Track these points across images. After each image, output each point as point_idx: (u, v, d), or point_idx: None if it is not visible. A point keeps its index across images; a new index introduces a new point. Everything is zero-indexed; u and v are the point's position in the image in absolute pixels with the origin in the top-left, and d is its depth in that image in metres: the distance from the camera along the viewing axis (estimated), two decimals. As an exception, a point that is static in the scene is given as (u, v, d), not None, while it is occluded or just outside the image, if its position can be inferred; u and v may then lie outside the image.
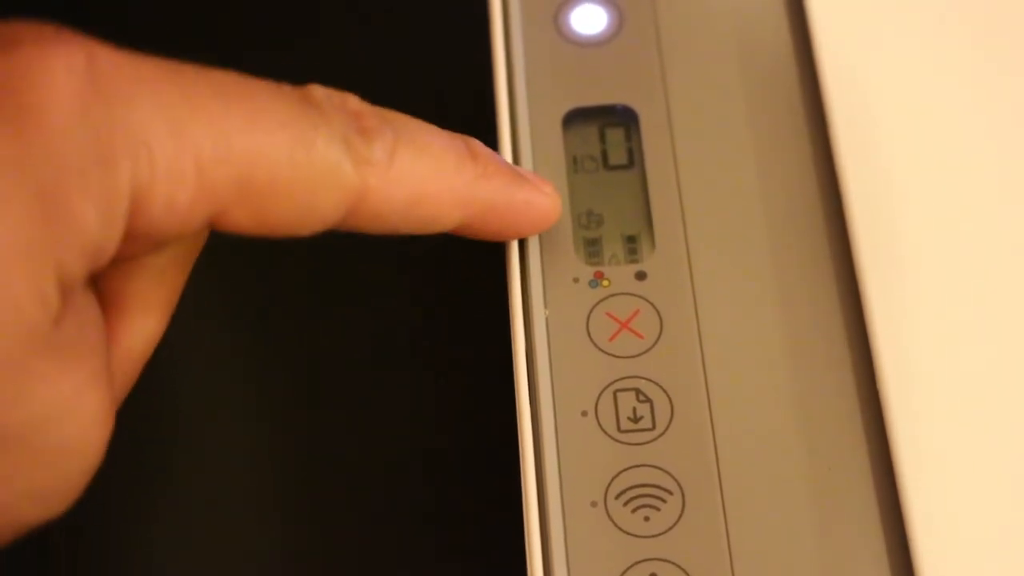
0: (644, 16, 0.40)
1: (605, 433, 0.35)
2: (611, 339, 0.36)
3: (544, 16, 0.40)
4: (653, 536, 0.34)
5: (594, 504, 0.34)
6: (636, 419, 0.35)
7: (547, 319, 0.36)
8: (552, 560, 0.33)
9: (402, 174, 0.32)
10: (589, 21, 0.40)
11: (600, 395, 0.35)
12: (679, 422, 0.35)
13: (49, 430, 0.28)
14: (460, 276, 0.47)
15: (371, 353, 0.47)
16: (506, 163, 0.35)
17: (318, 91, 0.32)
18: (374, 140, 0.32)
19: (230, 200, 0.29)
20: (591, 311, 0.36)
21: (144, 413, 0.45)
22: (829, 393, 0.35)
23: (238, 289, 0.49)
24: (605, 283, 0.37)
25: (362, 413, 0.46)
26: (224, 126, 0.29)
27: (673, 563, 0.33)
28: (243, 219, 0.30)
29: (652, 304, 0.36)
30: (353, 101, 0.32)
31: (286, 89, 0.31)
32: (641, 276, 0.37)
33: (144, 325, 0.32)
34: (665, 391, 0.35)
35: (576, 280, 0.37)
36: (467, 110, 0.42)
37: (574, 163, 0.39)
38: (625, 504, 0.34)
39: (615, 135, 0.39)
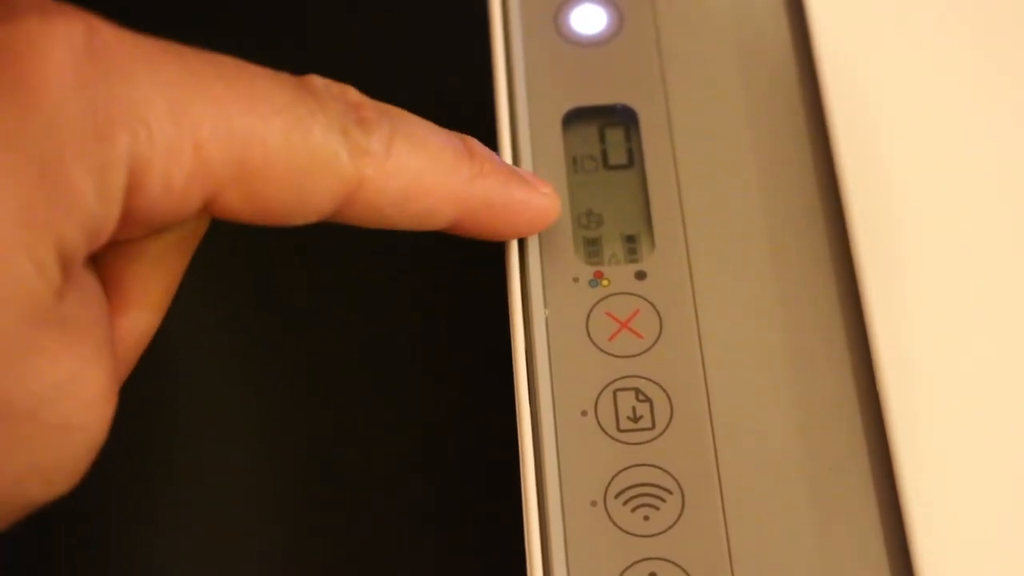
0: (644, 16, 0.40)
1: (605, 433, 0.35)
2: (611, 339, 0.36)
3: (544, 16, 0.40)
4: (652, 535, 0.33)
5: (594, 503, 0.34)
6: (636, 419, 0.35)
7: (547, 319, 0.36)
8: (552, 559, 0.33)
9: (398, 167, 0.32)
10: (589, 21, 0.40)
11: (600, 395, 0.35)
12: (679, 422, 0.35)
13: (53, 405, 0.28)
14: (459, 277, 0.47)
15: (371, 353, 0.47)
16: (504, 163, 0.35)
17: (317, 81, 0.32)
18: (372, 131, 0.32)
19: (225, 182, 0.29)
20: (591, 311, 0.36)
21: (144, 413, 0.45)
22: (829, 393, 0.35)
23: (238, 290, 0.49)
24: (605, 283, 0.37)
25: (362, 413, 0.46)
26: (223, 108, 0.29)
27: (672, 562, 0.33)
28: (237, 203, 0.30)
29: (652, 304, 0.36)
30: (352, 93, 0.32)
31: (286, 77, 0.31)
32: (641, 276, 0.37)
33: (142, 311, 0.32)
34: (665, 391, 0.35)
35: (576, 280, 0.37)
36: (467, 110, 0.42)
37: (574, 163, 0.39)
38: (625, 503, 0.34)
39: (615, 135, 0.39)
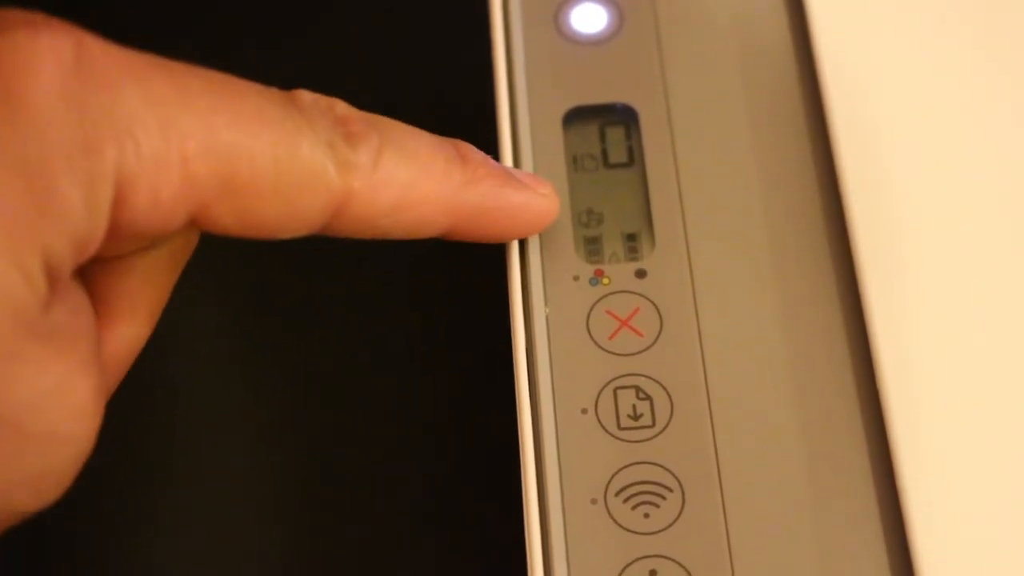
0: (644, 15, 0.40)
1: (605, 430, 0.35)
2: (611, 337, 0.36)
3: (544, 15, 0.41)
4: (653, 533, 0.34)
5: (594, 501, 0.34)
6: (636, 416, 0.35)
7: (547, 317, 0.36)
8: (552, 557, 0.33)
9: (387, 178, 0.32)
10: (589, 20, 0.40)
11: (600, 393, 0.35)
12: (679, 419, 0.35)
13: (40, 414, 0.28)
14: (459, 277, 0.47)
15: (371, 353, 0.47)
16: (499, 166, 0.35)
17: (305, 95, 0.32)
18: (359, 145, 0.32)
19: (213, 196, 0.29)
20: (591, 309, 0.36)
21: (145, 413, 0.45)
22: (829, 391, 0.35)
23: (238, 290, 0.49)
24: (605, 281, 0.37)
25: (362, 413, 0.46)
26: (211, 122, 0.29)
27: (673, 560, 0.33)
28: (225, 217, 0.30)
29: (652, 302, 0.36)
30: (340, 106, 0.32)
31: (274, 92, 0.31)
32: (641, 274, 0.37)
33: (129, 327, 0.32)
34: (665, 389, 0.35)
35: (576, 278, 0.37)
36: (467, 110, 0.42)
37: (574, 162, 0.39)
38: (625, 501, 0.34)
39: (615, 133, 0.39)
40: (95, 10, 0.45)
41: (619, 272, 0.37)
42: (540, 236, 0.37)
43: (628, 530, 0.34)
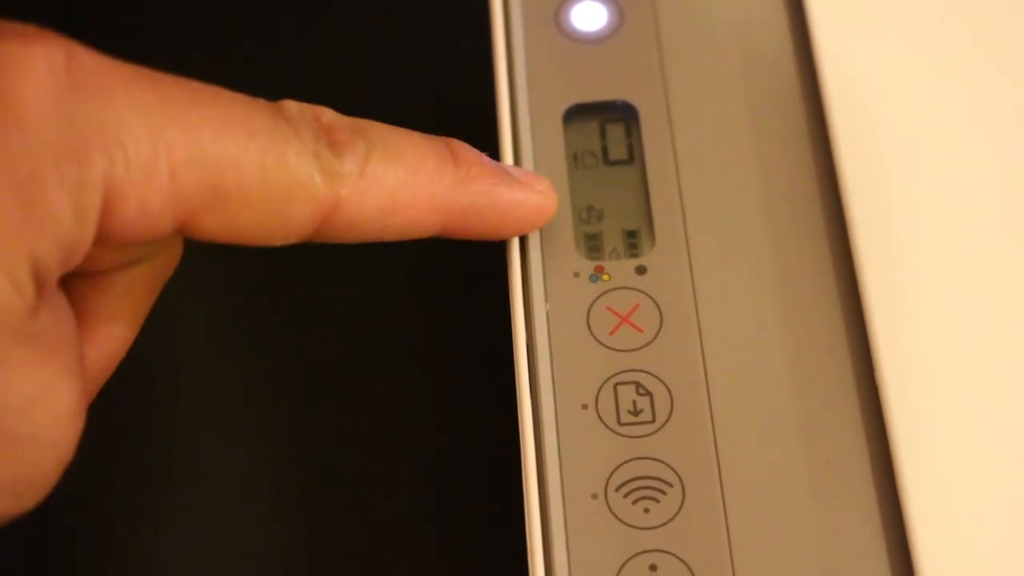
0: (644, 13, 0.41)
1: (605, 426, 0.35)
2: (611, 333, 0.36)
3: (544, 13, 0.41)
4: (653, 528, 0.34)
5: (594, 496, 0.34)
6: (636, 412, 0.35)
7: (548, 313, 0.36)
8: (553, 552, 0.33)
9: (374, 184, 0.32)
10: (589, 18, 0.41)
11: (600, 388, 0.35)
12: (679, 415, 0.35)
13: (23, 418, 0.28)
14: (459, 277, 0.47)
15: (371, 353, 0.47)
16: (493, 164, 0.35)
17: (291, 105, 0.32)
18: (345, 153, 0.32)
19: (200, 206, 0.30)
20: (591, 305, 0.36)
21: (144, 413, 0.45)
22: (829, 387, 0.35)
23: (238, 290, 0.49)
24: (605, 277, 0.37)
25: (361, 413, 0.46)
26: (198, 133, 0.29)
27: (673, 555, 0.33)
28: (212, 226, 0.30)
29: (652, 298, 0.36)
30: (327, 115, 0.33)
31: (260, 103, 0.31)
32: (641, 270, 0.37)
33: (108, 339, 0.32)
34: (665, 384, 0.35)
35: (577, 274, 0.37)
36: (467, 110, 0.42)
37: (574, 159, 0.39)
38: (625, 496, 0.34)
39: (615, 131, 0.39)
40: (96, 10, 0.45)
41: (619, 268, 0.37)
42: (541, 233, 0.37)
43: (628, 525, 0.34)
